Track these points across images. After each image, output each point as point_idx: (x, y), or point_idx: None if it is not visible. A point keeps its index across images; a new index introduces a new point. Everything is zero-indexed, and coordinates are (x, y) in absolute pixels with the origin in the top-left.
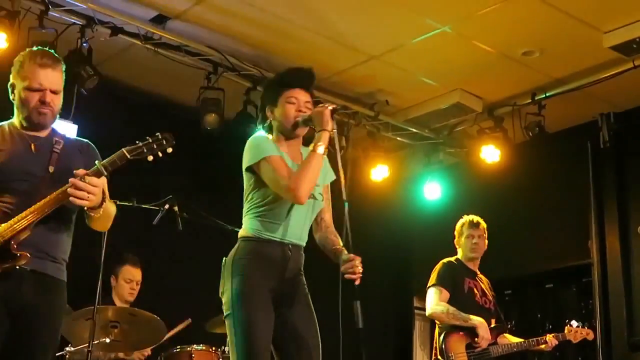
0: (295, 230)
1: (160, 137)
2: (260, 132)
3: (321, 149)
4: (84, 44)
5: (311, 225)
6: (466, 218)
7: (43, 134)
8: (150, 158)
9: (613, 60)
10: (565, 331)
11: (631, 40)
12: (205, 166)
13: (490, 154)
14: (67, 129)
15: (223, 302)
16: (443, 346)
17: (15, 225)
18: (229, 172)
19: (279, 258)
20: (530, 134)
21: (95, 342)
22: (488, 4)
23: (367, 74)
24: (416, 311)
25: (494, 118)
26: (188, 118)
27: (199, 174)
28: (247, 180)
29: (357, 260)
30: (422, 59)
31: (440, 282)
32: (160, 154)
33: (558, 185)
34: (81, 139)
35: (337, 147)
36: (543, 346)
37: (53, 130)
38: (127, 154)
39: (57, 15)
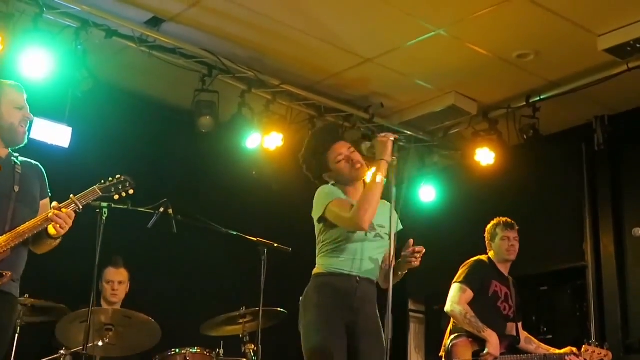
0: (365, 264)
1: (123, 179)
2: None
3: (379, 177)
4: (79, 47)
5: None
6: (499, 219)
7: (4, 153)
8: (117, 197)
9: (607, 63)
10: (582, 350)
11: (625, 43)
12: (200, 169)
13: (485, 156)
14: (62, 131)
15: (301, 334)
16: (450, 348)
17: None
18: (223, 174)
19: (347, 289)
20: (525, 137)
21: (90, 344)
22: (483, 7)
23: (362, 76)
24: (411, 314)
25: (489, 120)
26: (183, 120)
27: (193, 176)
28: (317, 227)
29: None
30: (417, 62)
31: (466, 280)
32: (124, 194)
33: (553, 187)
34: (30, 160)
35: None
36: None
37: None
38: (98, 191)
39: (51, 18)
